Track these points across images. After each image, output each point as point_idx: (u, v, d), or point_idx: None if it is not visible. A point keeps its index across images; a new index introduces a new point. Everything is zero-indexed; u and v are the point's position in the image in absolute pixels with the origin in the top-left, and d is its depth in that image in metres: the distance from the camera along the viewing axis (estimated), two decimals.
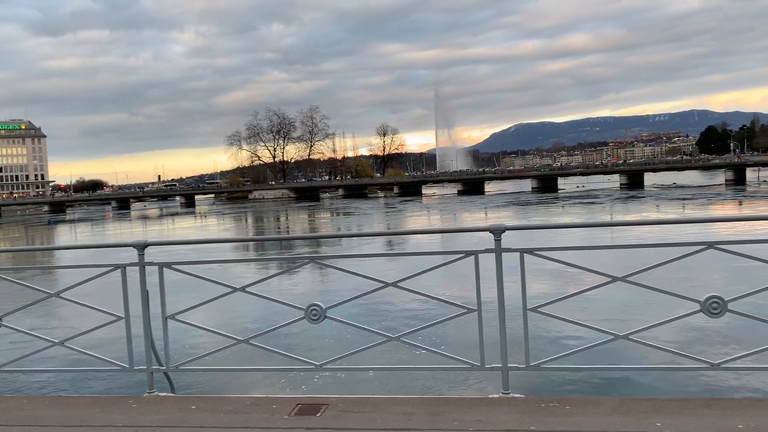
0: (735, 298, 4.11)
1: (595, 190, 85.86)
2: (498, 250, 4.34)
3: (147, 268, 4.85)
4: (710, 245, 4.14)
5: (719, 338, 10.12)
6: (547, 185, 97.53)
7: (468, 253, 4.47)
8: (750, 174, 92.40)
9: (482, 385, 7.52)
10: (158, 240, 5.16)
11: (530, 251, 4.41)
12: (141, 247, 4.80)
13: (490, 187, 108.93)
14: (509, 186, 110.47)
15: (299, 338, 11.17)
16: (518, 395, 4.33)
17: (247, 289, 4.88)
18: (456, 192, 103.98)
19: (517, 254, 4.37)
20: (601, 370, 8.20)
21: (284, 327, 5.10)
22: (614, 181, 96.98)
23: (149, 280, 4.86)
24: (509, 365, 4.42)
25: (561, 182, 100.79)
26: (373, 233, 19.81)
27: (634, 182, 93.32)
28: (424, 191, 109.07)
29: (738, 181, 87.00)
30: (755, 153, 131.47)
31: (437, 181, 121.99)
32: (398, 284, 4.65)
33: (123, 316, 4.90)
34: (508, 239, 4.36)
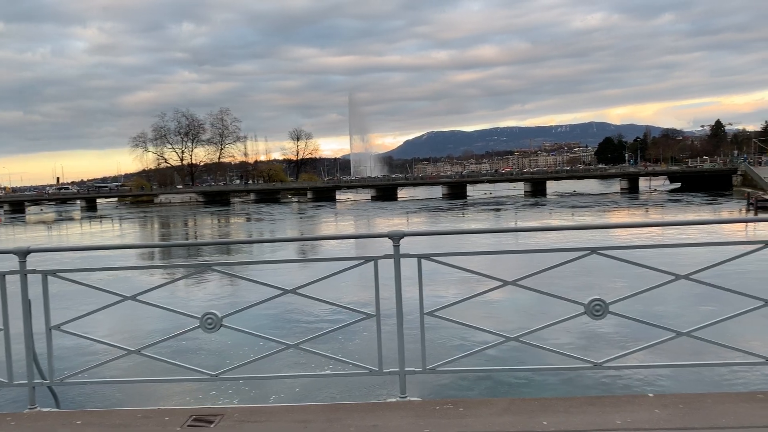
0: (615, 300, 4.38)
1: (501, 197, 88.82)
2: (396, 256, 4.41)
3: (31, 276, 4.59)
4: (593, 251, 4.39)
5: (607, 338, 10.72)
6: (456, 192, 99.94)
7: (368, 259, 4.52)
8: (642, 183, 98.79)
9: (381, 390, 7.58)
10: (42, 246, 4.90)
11: (427, 257, 4.51)
12: (23, 254, 4.53)
13: (403, 193, 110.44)
14: (421, 192, 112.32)
15: (199, 348, 10.87)
16: (415, 399, 4.41)
17: (139, 297, 4.70)
18: (370, 197, 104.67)
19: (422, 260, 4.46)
20: (495, 372, 8.49)
21: (183, 336, 4.96)
22: (519, 188, 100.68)
23: (35, 290, 4.59)
24: (406, 369, 4.49)
25: (470, 189, 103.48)
26: (274, 239, 19.67)
27: (537, 190, 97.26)
28: (338, 197, 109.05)
29: (632, 189, 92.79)
30: (648, 163, 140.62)
31: (351, 186, 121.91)
32: (298, 291, 4.63)
33: (1, 327, 4.61)
34: (411, 245, 4.44)
